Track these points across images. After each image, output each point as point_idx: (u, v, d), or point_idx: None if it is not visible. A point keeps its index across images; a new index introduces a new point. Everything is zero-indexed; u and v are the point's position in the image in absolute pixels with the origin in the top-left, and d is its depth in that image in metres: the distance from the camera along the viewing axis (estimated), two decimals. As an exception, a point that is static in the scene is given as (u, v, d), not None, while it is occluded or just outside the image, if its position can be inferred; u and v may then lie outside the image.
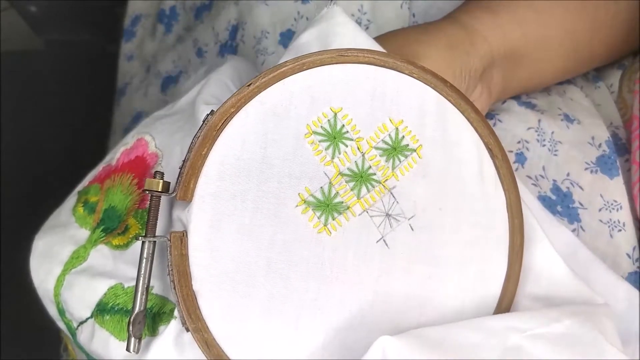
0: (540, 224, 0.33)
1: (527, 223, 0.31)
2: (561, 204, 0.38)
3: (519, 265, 0.31)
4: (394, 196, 0.30)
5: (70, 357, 0.40)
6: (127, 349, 0.27)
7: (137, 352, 0.28)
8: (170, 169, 0.32)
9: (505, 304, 0.31)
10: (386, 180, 0.30)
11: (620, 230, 0.37)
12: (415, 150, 0.30)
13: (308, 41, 0.33)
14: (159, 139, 0.35)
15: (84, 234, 0.34)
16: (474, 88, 0.37)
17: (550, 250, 0.32)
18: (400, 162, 0.30)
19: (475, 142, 0.31)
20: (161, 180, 0.28)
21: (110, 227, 0.33)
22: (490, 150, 0.31)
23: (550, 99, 0.44)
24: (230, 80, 0.37)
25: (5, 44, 0.64)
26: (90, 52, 0.73)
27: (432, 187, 0.30)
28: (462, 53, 0.36)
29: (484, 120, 0.31)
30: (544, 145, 0.39)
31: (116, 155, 0.37)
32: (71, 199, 0.38)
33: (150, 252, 0.28)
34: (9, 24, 0.66)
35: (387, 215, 0.29)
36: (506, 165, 0.31)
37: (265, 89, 0.29)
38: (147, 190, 0.28)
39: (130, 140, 0.37)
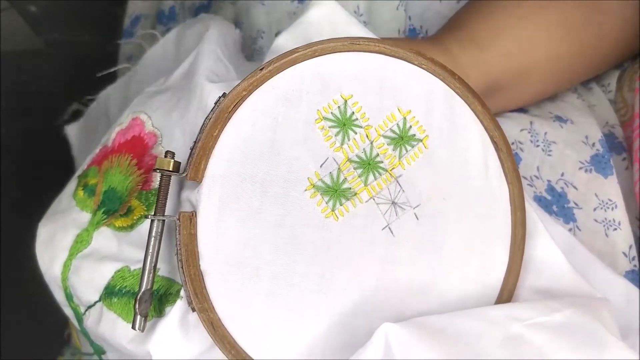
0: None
1: (529, 217, 0.32)
2: (556, 204, 0.39)
3: (520, 258, 0.31)
4: (400, 185, 0.30)
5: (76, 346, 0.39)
6: (133, 327, 0.27)
7: (142, 331, 0.27)
8: (171, 149, 0.32)
9: (506, 295, 0.31)
10: (393, 168, 0.30)
11: (615, 229, 0.38)
12: (421, 141, 0.30)
13: (317, 20, 0.34)
14: (155, 117, 0.35)
15: (85, 217, 0.34)
16: None
17: (552, 244, 0.32)
18: (407, 151, 0.30)
19: (481, 135, 0.31)
20: (172, 160, 0.28)
21: (112, 209, 0.33)
22: (495, 144, 0.31)
23: (539, 103, 0.45)
24: (219, 48, 0.37)
25: (5, 44, 0.63)
26: (90, 52, 0.73)
27: (437, 177, 0.30)
28: None
29: (490, 114, 0.31)
30: (538, 146, 0.40)
31: (111, 135, 0.36)
32: (71, 184, 0.38)
33: (159, 231, 0.28)
34: (9, 24, 0.66)
35: (393, 203, 0.30)
36: (510, 159, 0.31)
37: (277, 73, 0.29)
38: (158, 169, 0.28)
39: (124, 119, 0.37)
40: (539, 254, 0.32)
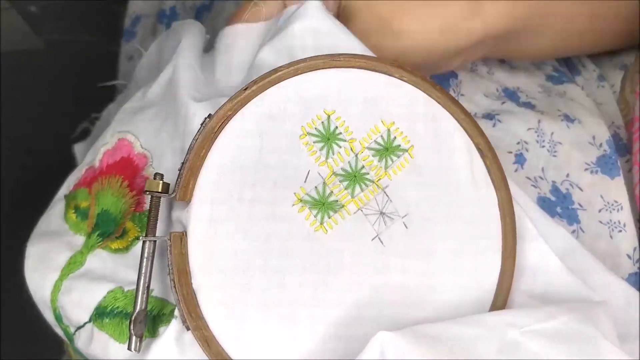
0: (537, 225, 0.33)
1: (519, 221, 0.32)
2: (561, 205, 0.38)
3: (512, 262, 0.31)
4: (387, 195, 0.30)
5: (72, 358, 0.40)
6: (129, 348, 0.28)
7: (138, 351, 0.28)
8: (162, 171, 0.32)
9: (500, 301, 0.31)
10: (379, 179, 0.30)
11: (620, 231, 0.37)
12: (407, 151, 0.31)
13: (301, 34, 0.34)
14: (142, 138, 0.35)
15: (79, 239, 0.35)
16: None
17: (545, 248, 0.32)
18: (392, 162, 0.30)
19: (465, 142, 0.31)
20: (161, 182, 0.29)
21: (107, 232, 0.33)
22: (480, 150, 0.31)
23: (550, 99, 0.44)
24: (195, 61, 0.37)
25: (5, 44, 0.64)
26: (90, 52, 0.73)
27: (425, 185, 0.31)
28: (450, 41, 0.37)
29: (473, 121, 0.31)
30: (543, 147, 0.40)
31: (98, 156, 0.36)
32: (58, 204, 0.38)
33: (151, 251, 0.29)
34: (9, 24, 0.66)
35: (381, 213, 0.30)
36: (496, 164, 0.31)
37: (260, 92, 0.30)
38: (148, 191, 0.29)
39: (109, 139, 0.37)
40: (532, 258, 0.32)
